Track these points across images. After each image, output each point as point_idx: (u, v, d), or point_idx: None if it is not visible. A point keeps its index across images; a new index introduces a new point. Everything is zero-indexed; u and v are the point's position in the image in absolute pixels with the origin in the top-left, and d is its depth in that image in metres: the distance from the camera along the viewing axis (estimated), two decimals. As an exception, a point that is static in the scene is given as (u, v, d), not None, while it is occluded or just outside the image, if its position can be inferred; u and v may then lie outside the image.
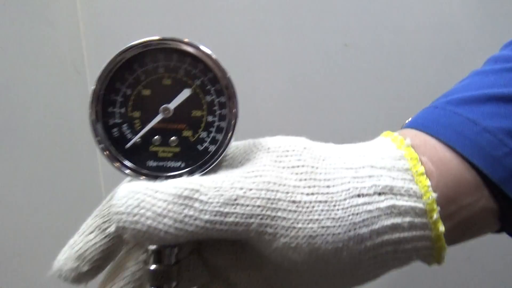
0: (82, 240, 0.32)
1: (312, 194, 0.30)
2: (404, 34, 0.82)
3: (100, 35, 0.77)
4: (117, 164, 0.31)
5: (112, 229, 0.30)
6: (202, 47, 0.31)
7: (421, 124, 0.34)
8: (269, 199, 0.29)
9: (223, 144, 0.31)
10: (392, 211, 0.30)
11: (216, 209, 0.29)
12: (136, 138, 0.31)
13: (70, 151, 0.79)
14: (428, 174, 0.31)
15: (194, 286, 0.35)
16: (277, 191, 0.29)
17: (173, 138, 0.31)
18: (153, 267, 0.31)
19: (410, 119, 0.37)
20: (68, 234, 0.33)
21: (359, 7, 0.81)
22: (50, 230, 0.80)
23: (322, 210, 0.29)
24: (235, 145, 0.34)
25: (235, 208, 0.29)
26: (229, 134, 0.31)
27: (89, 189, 0.83)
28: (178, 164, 0.32)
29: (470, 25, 0.82)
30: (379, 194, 0.31)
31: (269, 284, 0.33)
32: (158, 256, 0.31)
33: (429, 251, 0.31)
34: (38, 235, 0.79)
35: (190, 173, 0.31)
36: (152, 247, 0.31)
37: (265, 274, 0.33)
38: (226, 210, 0.29)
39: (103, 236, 0.32)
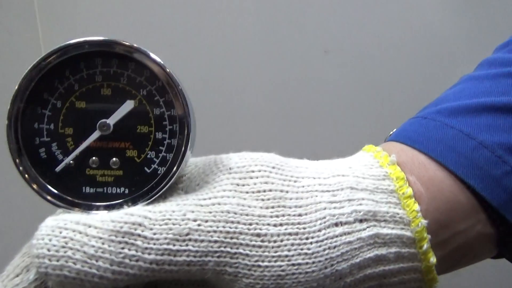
0: (7, 284, 0.26)
1: (281, 225, 0.25)
2: (386, 39, 0.80)
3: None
4: (44, 193, 0.25)
5: (31, 275, 0.24)
6: (148, 52, 0.26)
7: (408, 137, 0.30)
8: (228, 232, 0.24)
9: (174, 165, 0.26)
10: (376, 241, 0.26)
11: (164, 246, 0.23)
12: (69, 160, 0.26)
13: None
14: (416, 196, 0.26)
15: None
16: (238, 222, 0.24)
17: (114, 159, 0.26)
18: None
19: (394, 130, 0.33)
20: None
21: (339, 13, 0.79)
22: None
23: (292, 245, 0.24)
24: (194, 162, 0.29)
25: (187, 245, 0.24)
26: (182, 154, 0.26)
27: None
28: (120, 190, 0.26)
29: (454, 29, 0.81)
30: (360, 221, 0.26)
31: None
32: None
33: (418, 284, 0.27)
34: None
35: (134, 201, 0.26)
36: None
37: None
38: (176, 247, 0.23)
39: (32, 282, 0.26)
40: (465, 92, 0.30)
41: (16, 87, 0.25)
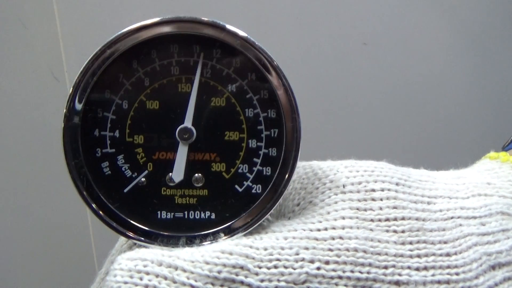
0: None
1: (426, 268, 0.19)
2: (424, 31, 0.77)
3: (81, 36, 0.66)
4: (111, 220, 0.19)
5: None
6: (240, 32, 0.20)
7: None
8: (358, 279, 0.18)
9: (278, 186, 0.20)
10: None
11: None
12: (140, 178, 0.20)
13: (48, 162, 0.67)
14: None
15: None
16: (370, 265, 0.19)
17: (197, 175, 0.20)
18: None
19: None
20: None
21: (378, 6, 0.76)
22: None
23: None
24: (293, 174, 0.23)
25: None
26: (288, 169, 0.20)
27: (71, 213, 0.71)
28: (205, 215, 0.20)
29: (498, 17, 0.77)
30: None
31: None
32: None
33: None
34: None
35: (228, 232, 0.20)
36: None
37: None
38: None
39: None
40: None
41: (73, 84, 0.19)
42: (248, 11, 0.72)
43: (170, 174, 0.20)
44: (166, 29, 0.20)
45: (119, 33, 0.19)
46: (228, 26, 0.20)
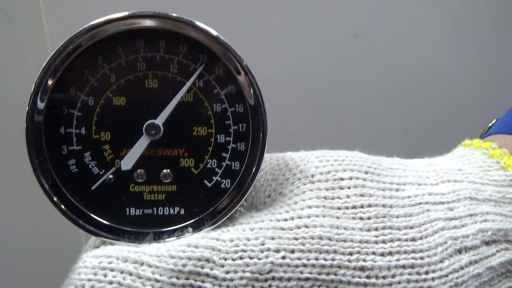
0: None
1: (390, 254, 0.19)
2: (415, 23, 0.77)
3: (68, 32, 0.65)
4: (77, 218, 0.19)
5: None
6: (203, 26, 0.20)
7: None
8: (323, 266, 0.18)
9: (245, 177, 0.20)
10: (509, 269, 0.20)
11: (238, 282, 0.18)
12: (108, 175, 0.20)
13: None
14: None
15: None
16: (335, 252, 0.19)
17: (165, 171, 0.20)
18: None
19: (494, 121, 0.27)
20: None
21: None
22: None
23: (408, 281, 0.19)
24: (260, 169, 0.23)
25: (270, 286, 0.18)
26: (254, 164, 0.20)
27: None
28: (174, 211, 0.20)
29: (487, 9, 0.76)
30: (487, 243, 0.20)
31: None
32: None
33: None
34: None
35: (196, 226, 0.20)
36: None
37: None
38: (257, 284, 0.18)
39: None
40: None
41: (36, 80, 0.19)
42: (238, 3, 0.71)
43: (139, 170, 0.20)
44: (131, 24, 0.19)
45: (82, 28, 0.19)
46: (197, 23, 0.19)
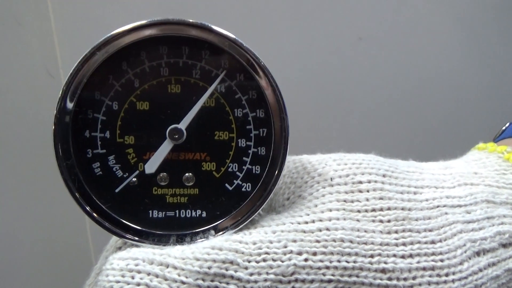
0: None
1: (411, 256, 0.19)
2: (420, 26, 0.77)
3: (75, 33, 0.65)
4: (103, 220, 0.20)
5: None
6: (226, 33, 0.20)
7: None
8: (345, 268, 0.19)
9: (267, 184, 0.20)
10: None
11: (261, 283, 0.18)
12: (131, 178, 0.20)
13: (43, 161, 0.68)
14: None
15: None
16: (357, 254, 0.19)
17: (188, 174, 0.21)
18: None
19: (508, 124, 0.27)
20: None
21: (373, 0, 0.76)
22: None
23: (429, 284, 0.19)
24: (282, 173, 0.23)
25: (289, 284, 0.18)
26: (276, 168, 0.20)
27: (68, 210, 0.71)
28: (196, 213, 0.21)
29: (492, 11, 0.77)
30: (505, 246, 0.20)
31: None
32: None
33: None
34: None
35: (218, 229, 0.20)
36: None
37: None
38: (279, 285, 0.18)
39: None
40: None
41: (63, 86, 0.19)
42: (243, 6, 0.72)
43: (161, 173, 0.21)
44: (154, 31, 0.20)
45: (108, 35, 0.19)
46: (216, 28, 0.20)
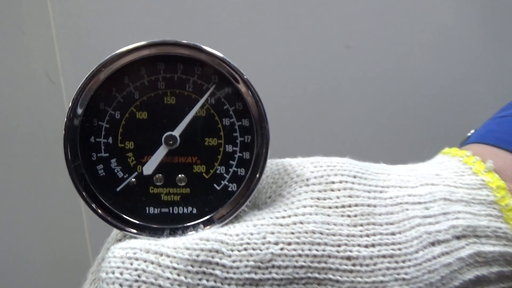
0: None
1: (373, 245, 0.22)
2: (406, 35, 0.79)
3: (75, 40, 0.68)
4: (106, 215, 0.23)
5: None
6: (215, 52, 0.23)
7: (501, 139, 0.27)
8: (315, 256, 0.22)
9: (249, 184, 0.23)
10: (477, 260, 0.23)
11: (245, 276, 0.21)
12: (131, 178, 0.23)
13: (43, 165, 0.70)
14: None
15: None
16: (326, 244, 0.22)
17: (180, 176, 0.23)
18: None
19: (473, 131, 0.30)
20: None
21: (360, 8, 0.78)
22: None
23: (387, 269, 0.22)
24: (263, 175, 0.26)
25: (270, 273, 0.21)
26: (258, 170, 0.23)
27: (66, 210, 0.74)
28: (188, 210, 0.23)
29: (472, 24, 0.79)
30: (458, 238, 0.23)
31: None
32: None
33: None
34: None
35: (207, 223, 0.23)
36: None
37: None
38: (259, 276, 0.21)
39: None
40: None
41: (72, 99, 0.22)
42: (231, 15, 0.74)
43: (157, 174, 0.23)
44: (153, 50, 0.23)
45: (113, 54, 0.22)
46: (206, 48, 0.23)
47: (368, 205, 0.23)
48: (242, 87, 0.23)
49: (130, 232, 0.23)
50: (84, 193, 0.22)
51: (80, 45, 0.68)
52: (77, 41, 0.69)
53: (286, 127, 0.76)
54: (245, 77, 0.23)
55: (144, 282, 0.20)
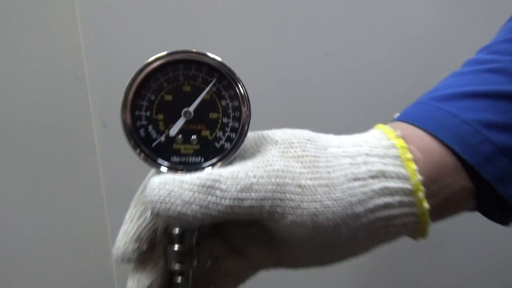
0: (134, 225, 0.36)
1: (315, 179, 0.35)
2: (384, 41, 0.88)
3: (99, 42, 0.81)
4: (146, 159, 0.36)
5: (148, 214, 0.34)
6: (219, 58, 0.36)
7: (409, 117, 0.40)
8: (278, 184, 0.34)
9: (237, 143, 0.36)
10: (384, 192, 0.36)
11: (235, 195, 0.33)
12: (161, 138, 0.36)
13: (71, 155, 0.83)
14: (415, 160, 0.37)
15: (212, 257, 0.40)
16: (285, 177, 0.35)
17: (193, 137, 0.36)
18: (177, 247, 0.35)
19: (398, 114, 0.43)
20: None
21: (340, 15, 0.86)
22: (52, 232, 0.83)
23: (324, 193, 0.35)
24: (247, 137, 0.39)
25: (250, 194, 0.34)
26: (243, 134, 0.36)
27: (90, 199, 0.86)
28: (198, 159, 0.36)
29: (447, 30, 0.89)
30: (373, 177, 0.36)
31: (274, 251, 0.39)
32: (181, 238, 0.36)
33: (415, 226, 0.37)
34: (38, 237, 0.82)
35: (211, 167, 0.36)
36: (176, 231, 0.36)
37: (271, 244, 0.38)
38: (243, 196, 0.33)
39: (149, 220, 0.36)
40: (452, 84, 0.41)
41: (124, 91, 0.35)
42: (213, 25, 0.82)
43: (178, 136, 0.36)
44: (175, 57, 0.35)
45: (151, 58, 0.35)
46: (210, 54, 0.35)
47: (315, 156, 0.36)
48: (234, 81, 0.36)
49: (162, 171, 0.35)
50: (132, 142, 0.35)
51: (104, 44, 0.80)
52: (101, 40, 0.81)
53: (268, 124, 0.85)
54: (236, 75, 0.36)
55: (173, 196, 0.33)
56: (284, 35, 0.85)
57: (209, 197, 0.33)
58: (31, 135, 0.81)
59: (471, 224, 0.89)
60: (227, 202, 0.33)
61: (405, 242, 0.40)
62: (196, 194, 0.33)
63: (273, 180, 0.34)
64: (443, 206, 0.38)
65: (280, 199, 0.34)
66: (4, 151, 0.82)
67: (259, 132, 0.39)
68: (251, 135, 0.39)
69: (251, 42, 0.84)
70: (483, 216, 0.41)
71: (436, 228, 0.39)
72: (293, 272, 0.41)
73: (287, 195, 0.34)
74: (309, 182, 0.35)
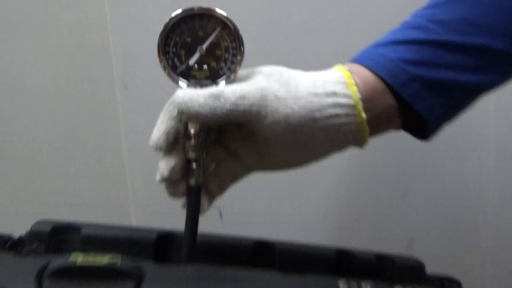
0: (164, 123, 0.53)
1: (287, 92, 0.52)
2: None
3: (122, 18, 0.97)
4: (173, 78, 0.53)
5: (175, 112, 0.51)
6: (224, 13, 0.53)
7: (356, 59, 0.57)
8: (262, 95, 0.51)
9: (235, 71, 0.53)
10: (335, 105, 0.53)
11: (233, 101, 0.50)
12: (184, 66, 0.53)
13: (95, 114, 0.99)
14: (356, 84, 0.54)
15: (216, 161, 0.57)
16: (267, 91, 0.52)
17: (205, 67, 0.53)
18: (193, 142, 0.53)
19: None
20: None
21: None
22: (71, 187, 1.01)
23: (293, 102, 0.52)
24: (242, 72, 0.56)
25: (243, 101, 0.51)
26: (238, 65, 0.53)
27: (112, 150, 1.03)
28: (208, 82, 0.53)
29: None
30: (327, 95, 0.53)
31: (260, 155, 0.55)
32: (195, 136, 0.53)
33: (358, 133, 0.54)
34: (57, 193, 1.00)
35: (216, 84, 0.53)
36: (192, 131, 0.53)
37: (257, 147, 0.55)
38: (239, 102, 0.51)
39: (176, 120, 0.53)
40: (386, 36, 0.58)
41: (159, 39, 0.52)
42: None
43: (195, 65, 0.53)
44: (192, 11, 0.52)
45: (172, 16, 0.52)
46: (218, 10, 0.52)
47: (287, 80, 0.53)
48: (234, 30, 0.53)
49: (183, 87, 0.52)
50: (171, 71, 0.52)
51: (129, 19, 0.96)
52: (125, 16, 0.97)
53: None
54: (235, 25, 0.53)
55: (193, 100, 0.49)
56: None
57: (216, 102, 0.50)
58: (63, 97, 0.98)
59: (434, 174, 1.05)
60: (228, 106, 0.50)
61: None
62: (207, 100, 0.50)
63: (259, 92, 0.51)
64: (377, 120, 0.55)
65: (264, 105, 0.51)
66: (40, 109, 0.98)
67: (251, 68, 0.56)
68: (245, 70, 0.55)
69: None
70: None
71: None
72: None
73: (268, 103, 0.51)
74: (283, 94, 0.52)
